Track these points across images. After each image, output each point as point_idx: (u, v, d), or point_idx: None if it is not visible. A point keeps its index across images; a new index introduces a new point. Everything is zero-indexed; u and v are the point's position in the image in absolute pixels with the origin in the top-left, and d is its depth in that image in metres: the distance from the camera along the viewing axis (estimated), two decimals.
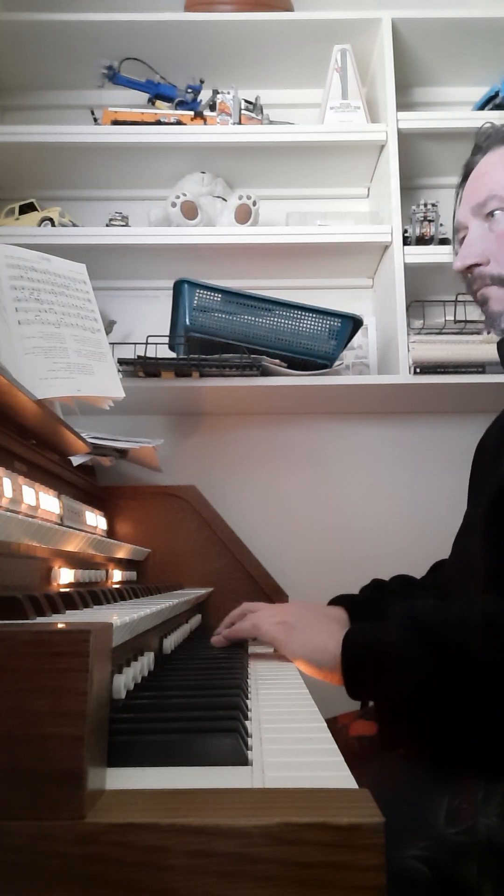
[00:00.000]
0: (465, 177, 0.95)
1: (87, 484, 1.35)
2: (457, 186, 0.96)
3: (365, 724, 0.89)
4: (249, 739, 0.50)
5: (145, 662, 0.68)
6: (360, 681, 0.74)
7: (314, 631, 0.81)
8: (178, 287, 1.60)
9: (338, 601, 1.02)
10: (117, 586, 1.10)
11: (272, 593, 1.51)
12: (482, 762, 0.66)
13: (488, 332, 0.94)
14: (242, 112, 1.78)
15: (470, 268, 0.90)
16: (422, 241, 1.72)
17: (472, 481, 1.01)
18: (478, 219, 0.89)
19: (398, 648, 0.69)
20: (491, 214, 0.87)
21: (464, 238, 0.92)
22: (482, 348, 1.62)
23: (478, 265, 0.89)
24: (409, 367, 1.62)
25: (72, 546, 0.92)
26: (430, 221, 1.72)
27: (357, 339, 1.78)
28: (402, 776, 0.67)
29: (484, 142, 0.92)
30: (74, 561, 1.00)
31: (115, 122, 1.74)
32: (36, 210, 1.72)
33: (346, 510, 1.79)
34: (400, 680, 0.68)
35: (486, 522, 0.81)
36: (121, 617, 0.56)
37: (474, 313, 1.74)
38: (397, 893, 0.57)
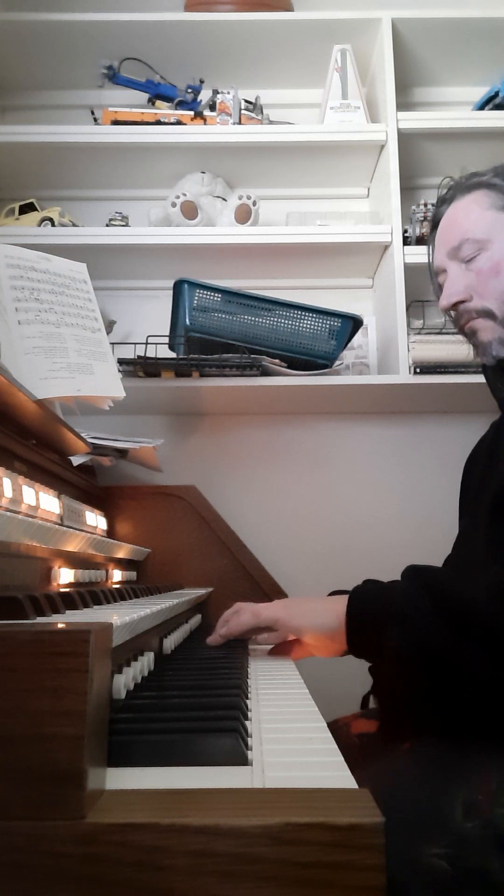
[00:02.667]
0: (435, 226, 1.01)
1: (87, 484, 1.35)
2: (428, 236, 1.03)
3: (366, 723, 0.89)
4: (249, 739, 0.50)
5: (145, 662, 0.68)
6: (364, 632, 0.74)
7: (315, 602, 0.82)
8: (178, 287, 1.60)
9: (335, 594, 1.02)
10: (117, 586, 1.10)
11: (272, 593, 1.51)
12: (489, 741, 0.66)
13: (481, 361, 0.99)
14: (242, 112, 1.78)
15: (455, 305, 0.95)
16: (422, 241, 1.71)
17: (465, 496, 1.02)
18: (454, 261, 0.95)
19: (404, 600, 0.70)
20: (468, 258, 0.93)
21: (443, 280, 0.97)
22: None
23: (462, 301, 0.94)
24: (409, 367, 1.62)
25: (72, 546, 0.92)
26: (430, 221, 1.72)
27: (357, 339, 1.78)
28: (411, 773, 0.66)
29: (447, 193, 0.99)
30: (74, 561, 1.00)
31: (115, 122, 1.74)
32: (36, 210, 1.72)
33: (346, 510, 1.79)
34: (404, 631, 0.68)
35: (490, 526, 0.81)
36: (121, 617, 0.56)
37: None
38: (422, 894, 0.56)
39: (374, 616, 0.74)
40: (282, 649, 0.93)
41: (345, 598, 0.79)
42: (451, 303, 0.95)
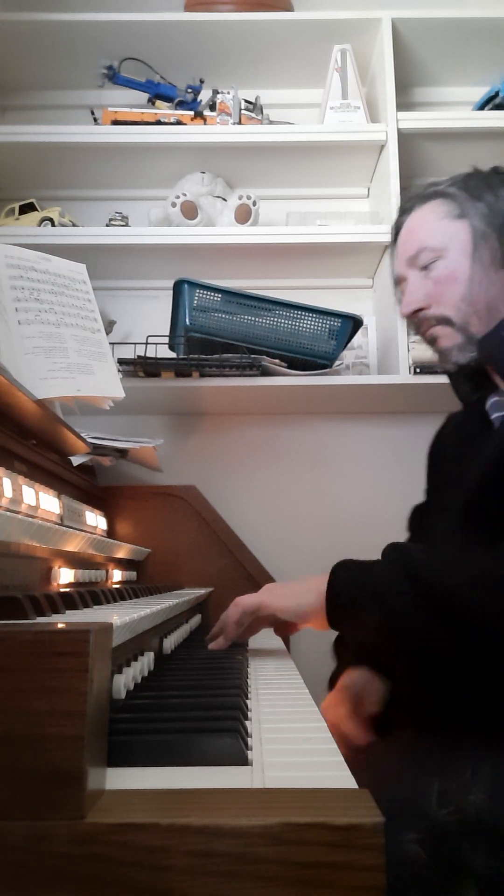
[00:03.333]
0: (396, 236, 1.03)
1: (87, 484, 1.35)
2: (389, 245, 1.05)
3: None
4: (249, 739, 0.50)
5: (145, 662, 0.68)
6: (343, 613, 0.77)
7: (297, 583, 0.85)
8: (178, 287, 1.60)
9: None
10: (117, 586, 1.10)
11: None
12: (466, 731, 0.68)
13: (443, 367, 1.01)
14: (242, 112, 1.78)
15: (415, 312, 0.97)
16: None
17: (436, 494, 1.05)
18: (414, 269, 0.97)
19: (385, 583, 0.72)
20: (426, 266, 0.95)
21: (404, 289, 1.00)
22: None
23: (421, 309, 0.96)
24: (409, 367, 1.62)
25: (72, 546, 0.92)
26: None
27: (357, 339, 1.78)
28: (393, 761, 0.69)
29: (408, 203, 1.01)
30: (74, 561, 1.00)
31: (115, 122, 1.74)
32: (36, 210, 1.72)
33: (346, 510, 1.79)
34: (384, 616, 0.71)
35: (463, 528, 0.84)
36: (121, 617, 0.56)
37: None
38: (396, 878, 0.59)
39: (353, 598, 0.76)
40: (285, 626, 0.94)
41: (325, 576, 0.81)
42: (410, 310, 0.97)
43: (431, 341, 0.97)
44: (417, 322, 0.98)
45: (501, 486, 0.79)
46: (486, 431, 0.92)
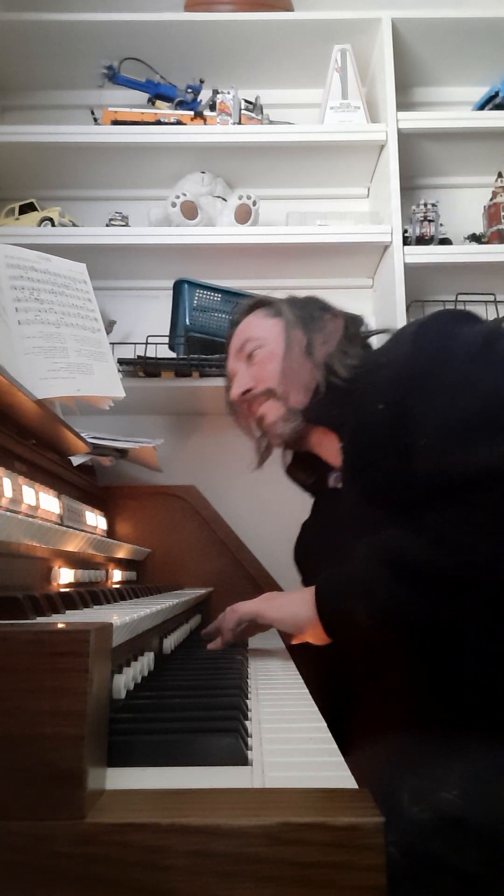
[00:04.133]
0: (228, 344, 1.17)
1: (87, 484, 1.35)
2: (224, 352, 1.19)
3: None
4: (249, 739, 0.50)
5: (145, 662, 0.69)
6: (335, 614, 0.80)
7: (293, 594, 0.88)
8: (177, 287, 1.60)
9: None
10: (117, 586, 1.10)
11: None
12: (440, 730, 0.70)
13: (274, 445, 1.17)
14: (242, 112, 1.78)
15: (244, 393, 1.09)
16: (422, 241, 1.72)
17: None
18: (241, 362, 1.11)
19: (363, 574, 0.76)
20: (249, 356, 1.09)
21: (234, 381, 1.12)
22: None
23: (249, 390, 1.08)
24: None
25: (72, 546, 0.92)
26: (430, 221, 1.71)
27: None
28: (364, 761, 0.69)
29: (237, 316, 1.18)
30: (74, 561, 1.00)
31: (115, 122, 1.74)
32: (36, 210, 1.72)
33: None
34: (370, 602, 0.74)
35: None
36: (121, 617, 0.56)
37: None
38: None
39: (341, 596, 0.80)
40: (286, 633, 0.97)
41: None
42: (240, 391, 1.09)
43: (259, 421, 1.09)
44: (248, 404, 1.10)
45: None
46: (335, 504, 1.00)
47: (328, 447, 1.05)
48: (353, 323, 1.12)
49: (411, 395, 0.80)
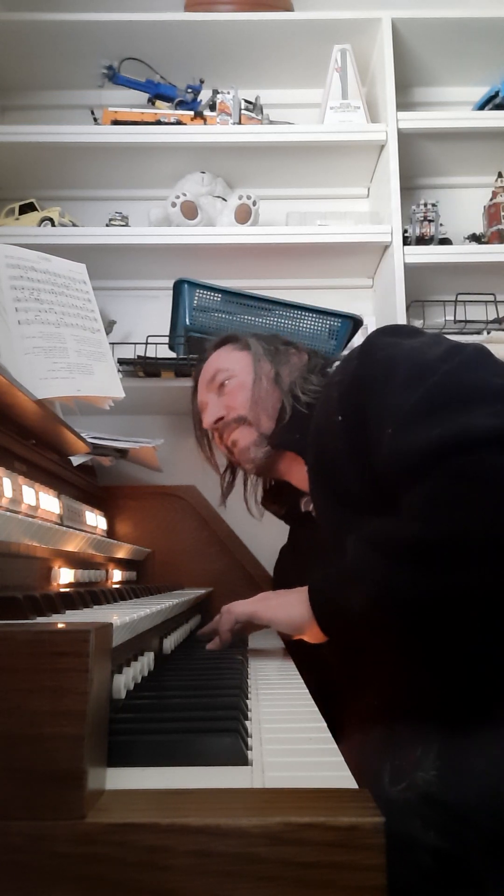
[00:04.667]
0: (196, 378, 1.23)
1: (87, 484, 1.35)
2: (192, 388, 1.26)
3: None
4: (249, 739, 0.50)
5: (145, 662, 0.68)
6: (327, 602, 0.81)
7: (289, 594, 0.88)
8: (177, 287, 1.60)
9: None
10: (117, 586, 1.10)
11: None
12: (422, 716, 0.72)
13: (245, 471, 1.23)
14: (242, 112, 1.78)
15: (216, 422, 1.13)
16: (422, 241, 1.72)
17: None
18: (212, 393, 1.16)
19: (356, 564, 0.76)
20: (220, 386, 1.15)
21: (206, 412, 1.17)
22: None
23: (221, 418, 1.13)
24: None
25: (72, 546, 0.92)
26: (430, 221, 1.71)
27: (357, 338, 1.77)
28: (346, 743, 0.69)
29: (206, 352, 1.24)
30: (74, 561, 1.00)
31: (115, 122, 1.74)
32: (36, 210, 1.72)
33: None
34: (365, 590, 0.74)
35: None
36: (121, 617, 0.56)
37: (475, 313, 1.74)
38: None
39: (334, 589, 0.80)
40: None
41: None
42: (212, 420, 1.14)
43: (232, 447, 1.13)
44: (219, 433, 1.15)
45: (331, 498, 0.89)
46: (311, 528, 1.03)
47: (297, 472, 1.10)
48: (315, 355, 1.18)
49: (365, 399, 0.83)
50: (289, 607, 0.85)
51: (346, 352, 1.34)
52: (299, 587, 0.87)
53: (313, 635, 0.83)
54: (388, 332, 0.92)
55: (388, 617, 0.74)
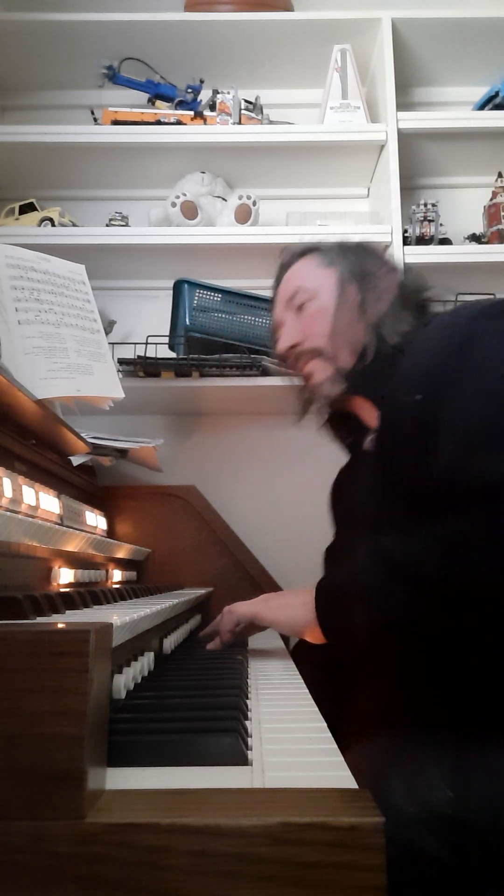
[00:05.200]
0: (277, 286, 1.13)
1: (87, 484, 1.35)
2: (271, 297, 1.16)
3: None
4: (249, 739, 0.50)
5: (145, 662, 0.68)
6: (334, 618, 0.80)
7: (291, 596, 0.88)
8: (177, 287, 1.60)
9: None
10: (117, 586, 1.10)
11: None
12: (432, 730, 0.71)
13: (319, 406, 1.10)
14: (242, 112, 1.78)
15: (291, 348, 1.05)
16: (422, 241, 1.72)
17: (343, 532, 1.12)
18: (290, 312, 1.07)
19: (364, 577, 0.75)
20: (299, 306, 1.05)
21: (281, 332, 1.09)
22: None
23: (296, 345, 1.04)
24: None
25: (72, 546, 0.92)
26: (430, 221, 1.71)
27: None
28: (358, 757, 0.69)
29: (287, 259, 1.13)
30: (74, 561, 1.00)
31: (115, 122, 1.74)
32: (36, 210, 1.72)
33: None
34: (369, 607, 0.73)
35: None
36: (121, 617, 0.56)
37: None
38: None
39: (338, 599, 0.79)
40: None
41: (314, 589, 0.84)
42: (286, 346, 1.05)
43: (307, 379, 1.05)
44: (293, 359, 1.06)
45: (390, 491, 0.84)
46: (365, 466, 0.98)
47: (369, 411, 1.02)
48: (410, 281, 1.05)
49: (442, 392, 0.78)
50: (290, 609, 0.85)
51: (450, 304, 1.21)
52: (302, 588, 0.86)
53: (314, 637, 0.83)
54: (497, 315, 0.84)
55: (392, 641, 0.74)
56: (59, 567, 0.93)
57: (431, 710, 0.74)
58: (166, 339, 1.65)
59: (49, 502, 0.92)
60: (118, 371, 1.41)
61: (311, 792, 0.39)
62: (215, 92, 1.77)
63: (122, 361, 1.54)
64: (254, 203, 1.71)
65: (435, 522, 0.73)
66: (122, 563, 1.36)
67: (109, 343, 1.24)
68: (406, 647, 0.75)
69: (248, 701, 0.63)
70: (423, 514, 0.75)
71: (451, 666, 0.74)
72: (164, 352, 1.63)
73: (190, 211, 1.71)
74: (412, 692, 0.76)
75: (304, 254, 1.11)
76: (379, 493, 0.87)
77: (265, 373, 1.59)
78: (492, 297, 1.72)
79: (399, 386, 0.86)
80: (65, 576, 0.94)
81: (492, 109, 1.77)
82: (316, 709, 0.61)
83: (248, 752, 0.47)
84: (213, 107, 1.76)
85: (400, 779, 0.67)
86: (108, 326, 1.74)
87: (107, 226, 1.73)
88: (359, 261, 1.05)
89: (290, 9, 1.85)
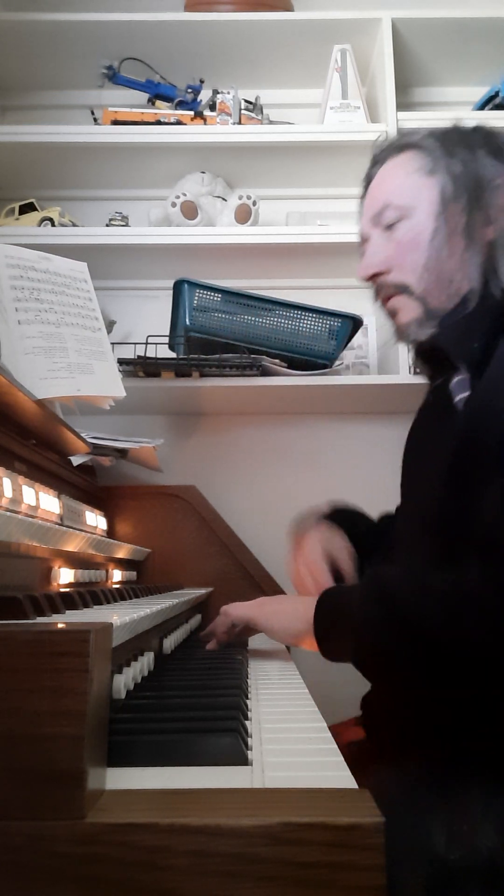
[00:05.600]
0: (365, 189, 0.96)
1: (87, 484, 1.35)
2: (360, 198, 0.98)
3: (358, 730, 0.89)
4: (249, 739, 0.50)
5: (145, 662, 0.68)
6: (332, 644, 0.76)
7: (286, 603, 0.85)
8: (178, 287, 1.60)
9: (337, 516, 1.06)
10: (117, 586, 1.10)
11: (272, 593, 1.51)
12: (476, 763, 0.65)
13: (399, 342, 0.95)
14: (242, 112, 1.78)
15: (373, 277, 0.90)
16: None
17: (404, 491, 1.02)
18: (377, 228, 0.90)
19: (360, 611, 0.71)
20: (390, 225, 0.88)
21: (366, 249, 0.94)
22: None
23: (381, 274, 0.89)
24: (409, 367, 1.62)
25: (72, 546, 0.92)
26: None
27: (357, 339, 1.77)
28: (395, 794, 0.64)
29: (380, 154, 0.93)
30: (74, 561, 1.00)
31: (115, 122, 1.74)
32: (36, 210, 1.72)
33: None
34: (360, 643, 0.70)
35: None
36: (121, 617, 0.56)
37: None
38: None
39: (336, 629, 0.76)
40: None
41: (313, 603, 0.79)
42: (368, 274, 0.90)
43: (392, 314, 0.90)
44: (377, 288, 0.91)
45: (457, 500, 0.75)
46: (450, 417, 0.86)
47: None
48: None
49: None
50: (286, 618, 0.83)
51: None
52: (301, 597, 0.84)
53: (308, 646, 0.81)
54: None
55: (391, 682, 0.71)
56: (59, 567, 0.93)
57: (468, 747, 0.68)
58: (166, 339, 1.65)
59: (49, 502, 0.92)
60: (118, 371, 1.40)
61: (311, 792, 0.39)
62: (215, 92, 1.77)
63: (122, 361, 1.54)
64: (254, 203, 1.71)
65: (450, 565, 0.68)
66: (122, 563, 1.36)
67: (109, 343, 1.24)
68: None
69: (248, 701, 0.63)
70: (444, 548, 0.71)
71: (481, 705, 0.68)
72: (164, 352, 1.63)
73: (190, 211, 1.71)
74: (451, 723, 0.70)
75: (402, 150, 0.90)
76: (449, 487, 0.77)
77: (265, 373, 1.59)
78: None
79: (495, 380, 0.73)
80: (65, 576, 0.94)
81: (492, 109, 1.77)
82: (316, 709, 0.61)
83: (248, 752, 0.47)
84: (213, 107, 1.76)
85: (444, 828, 0.61)
86: (109, 326, 1.74)
87: (107, 226, 1.73)
88: (470, 163, 0.84)
89: (290, 9, 1.85)
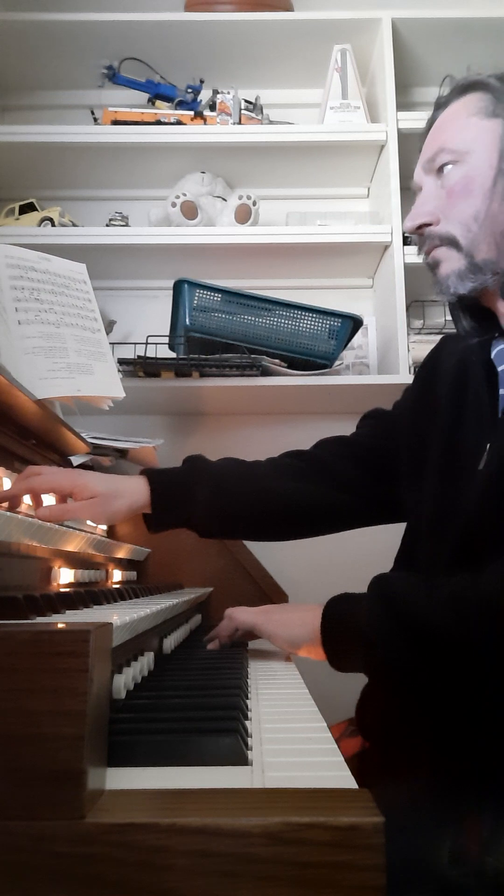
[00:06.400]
0: (426, 133, 0.89)
1: None
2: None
3: (352, 742, 0.89)
4: (249, 739, 0.50)
5: (145, 662, 0.68)
6: (341, 654, 0.75)
7: (292, 612, 0.84)
8: (177, 287, 1.60)
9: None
10: (117, 586, 1.10)
11: (272, 594, 1.51)
12: (480, 778, 0.65)
13: (439, 296, 0.87)
14: (242, 112, 1.78)
15: (420, 228, 0.83)
16: None
17: (418, 444, 0.94)
18: (430, 176, 0.84)
19: (368, 622, 0.70)
20: (441, 169, 0.82)
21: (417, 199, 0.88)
22: None
23: (428, 224, 0.83)
24: (409, 367, 1.62)
25: (72, 546, 0.92)
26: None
27: (357, 339, 1.78)
28: (401, 813, 0.63)
29: (445, 97, 0.88)
30: (74, 561, 1.00)
31: (115, 122, 1.74)
32: (36, 210, 1.72)
33: None
34: (371, 654, 0.69)
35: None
36: (121, 617, 0.56)
37: None
38: None
39: (345, 638, 0.75)
40: None
41: (319, 612, 0.78)
42: (415, 224, 0.83)
43: (433, 266, 0.85)
44: (421, 241, 0.85)
45: (498, 520, 0.74)
46: (491, 386, 0.82)
47: None
48: None
49: None
50: (290, 626, 0.82)
51: None
52: (304, 605, 0.83)
53: (314, 655, 0.81)
54: None
55: (404, 690, 0.70)
56: (59, 567, 0.93)
57: (475, 761, 0.67)
58: (166, 339, 1.65)
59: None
60: (118, 371, 1.41)
61: (311, 792, 0.39)
62: (215, 92, 1.77)
63: (122, 361, 1.54)
64: (254, 203, 1.71)
65: (466, 569, 0.67)
66: (122, 563, 1.36)
67: (109, 343, 1.24)
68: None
69: (248, 701, 0.63)
70: (461, 548, 0.70)
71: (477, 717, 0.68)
72: (164, 352, 1.63)
73: (190, 211, 1.71)
74: (459, 735, 0.69)
75: (465, 91, 0.84)
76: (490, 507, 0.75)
77: (265, 373, 1.59)
78: None
79: None
80: (65, 576, 0.94)
81: None
82: (316, 709, 0.61)
83: (248, 752, 0.47)
84: (213, 107, 1.76)
85: (448, 841, 0.60)
86: (109, 326, 1.74)
87: (107, 226, 1.74)
88: None
89: (290, 9, 1.85)
